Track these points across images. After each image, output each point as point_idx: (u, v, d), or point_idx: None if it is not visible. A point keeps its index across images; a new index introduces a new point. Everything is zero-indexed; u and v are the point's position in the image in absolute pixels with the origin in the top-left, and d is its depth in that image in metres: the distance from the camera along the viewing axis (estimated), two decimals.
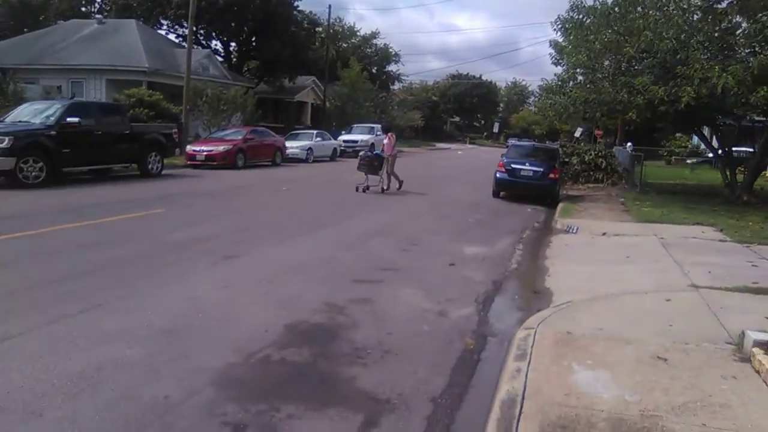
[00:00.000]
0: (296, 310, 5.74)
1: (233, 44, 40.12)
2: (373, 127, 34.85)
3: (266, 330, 5.15)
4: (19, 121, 14.49)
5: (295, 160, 26.31)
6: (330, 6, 41.90)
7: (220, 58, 37.66)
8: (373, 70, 55.71)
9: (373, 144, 27.35)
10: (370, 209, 13.01)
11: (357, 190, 15.40)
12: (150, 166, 16.94)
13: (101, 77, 28.77)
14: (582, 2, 15.12)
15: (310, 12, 40.74)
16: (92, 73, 28.83)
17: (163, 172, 17.73)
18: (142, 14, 34.98)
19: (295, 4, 38.97)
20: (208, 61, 32.82)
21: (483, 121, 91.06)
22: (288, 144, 26.41)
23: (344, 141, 32.96)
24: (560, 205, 14.81)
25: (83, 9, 40.59)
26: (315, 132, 29.56)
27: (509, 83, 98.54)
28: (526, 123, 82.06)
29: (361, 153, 16.99)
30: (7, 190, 12.89)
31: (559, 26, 15.78)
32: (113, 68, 28.35)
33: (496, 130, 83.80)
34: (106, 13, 38.10)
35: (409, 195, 15.74)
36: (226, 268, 7.18)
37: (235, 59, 39.80)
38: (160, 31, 37.01)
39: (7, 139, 13.00)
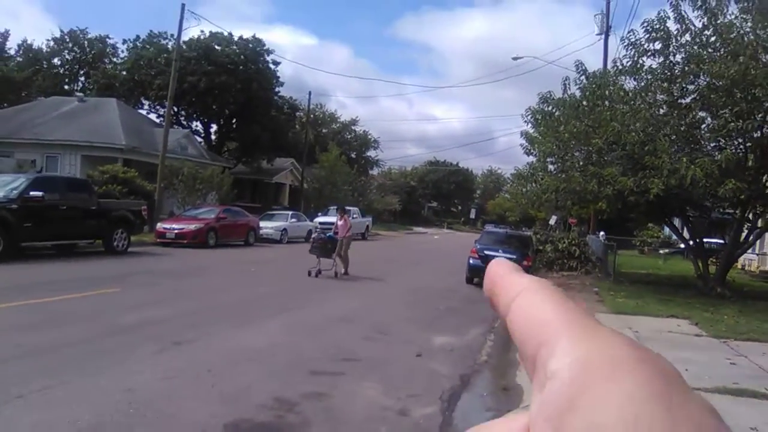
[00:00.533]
0: (241, 407, 5.23)
1: (214, 126, 40.60)
2: (349, 210, 34.83)
3: (203, 431, 4.63)
4: None
5: (270, 240, 25.94)
6: (310, 93, 43.36)
7: (199, 139, 38.02)
8: (352, 155, 56.59)
9: (328, 226, 27.23)
10: (338, 294, 12.58)
11: (309, 274, 14.19)
12: (116, 243, 16.46)
13: (77, 153, 28.59)
14: (551, 95, 15.50)
15: (291, 97, 41.67)
16: (68, 148, 28.68)
17: (131, 249, 17.25)
18: (124, 94, 35.39)
19: (276, 89, 39.87)
20: (186, 141, 32.97)
21: (460, 207, 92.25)
22: (263, 224, 26.15)
23: (320, 223, 32.78)
24: None
25: (66, 87, 41.00)
26: (290, 213, 29.42)
27: (485, 171, 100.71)
28: (502, 209, 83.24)
29: (313, 235, 16.16)
30: None
31: (530, 117, 16.11)
32: (89, 144, 28.25)
33: (473, 216, 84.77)
34: (88, 92, 38.49)
35: (379, 280, 15.37)
36: (173, 355, 6.66)
37: (215, 140, 40.16)
38: (141, 111, 37.40)
39: None
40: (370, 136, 63.61)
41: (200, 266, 15.49)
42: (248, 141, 36.92)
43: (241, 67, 35.94)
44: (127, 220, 16.99)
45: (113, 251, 16.32)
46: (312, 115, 56.21)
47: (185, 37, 32.20)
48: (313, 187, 43.87)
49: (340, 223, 15.50)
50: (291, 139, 41.39)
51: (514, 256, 15.40)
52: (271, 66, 38.66)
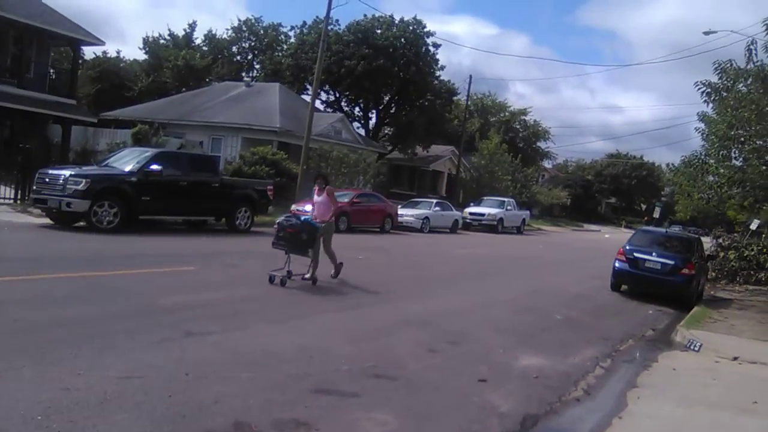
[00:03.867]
0: (178, 430, 3.95)
1: (374, 112, 40.47)
2: (503, 201, 32.63)
3: None
4: (108, 165, 14.52)
5: (410, 228, 24.82)
6: (470, 77, 41.27)
7: (358, 124, 38.08)
8: (520, 145, 53.59)
9: (477, 217, 24.69)
10: (439, 289, 10.93)
11: (271, 281, 9.06)
12: (238, 222, 16.26)
13: (238, 135, 29.78)
14: (732, 65, 12.21)
15: (449, 81, 40.03)
16: (230, 130, 29.99)
17: (255, 229, 17.03)
18: (288, 79, 36.38)
19: (437, 73, 38.56)
20: (340, 125, 33.00)
21: (644, 205, 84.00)
22: (403, 212, 25.11)
23: (470, 213, 31.04)
24: (694, 310, 11.61)
25: (243, 74, 43.47)
26: (434, 201, 27.99)
27: (671, 166, 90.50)
28: (696, 211, 74.14)
29: (279, 219, 9.98)
30: (79, 232, 12.67)
31: (704, 92, 12.86)
32: (248, 127, 29.24)
33: (656, 215, 76.54)
34: (258, 78, 40.36)
35: (497, 276, 13.39)
36: (168, 348, 5.58)
37: (373, 125, 40.01)
38: (304, 96, 38.34)
39: (83, 181, 12.84)
40: (542, 127, 59.94)
41: None
42: (403, 126, 36.12)
43: (400, 51, 35.18)
44: (251, 199, 16.73)
45: (235, 230, 16.16)
46: (481, 103, 54.26)
47: (345, 21, 32.31)
48: (471, 176, 42.05)
49: (317, 199, 10.10)
50: (449, 126, 39.88)
51: (672, 262, 12.56)
52: (431, 49, 37.43)
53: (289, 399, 4.75)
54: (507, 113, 56.82)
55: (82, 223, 13.14)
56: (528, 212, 36.11)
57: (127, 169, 14.02)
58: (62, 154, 24.99)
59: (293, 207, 20.92)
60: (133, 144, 22.98)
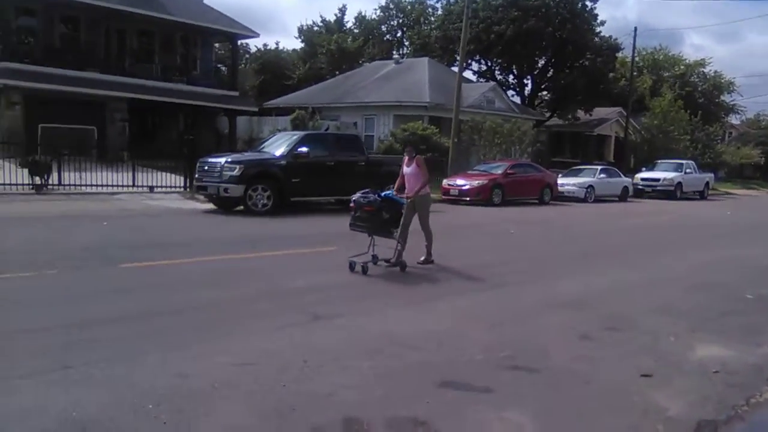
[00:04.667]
0: (285, 426, 3.62)
1: (529, 78, 38.46)
2: (681, 164, 29.32)
3: None
4: (261, 151, 15.04)
5: (573, 198, 23.17)
6: (635, 29, 37.17)
7: (513, 92, 36.41)
8: (700, 100, 48.00)
9: (651, 183, 21.93)
10: (602, 266, 9.77)
11: (351, 269, 7.92)
12: None
13: (389, 113, 29.84)
14: None
15: (610, 37, 36.59)
16: (382, 109, 30.13)
17: None
18: (437, 52, 35.71)
19: (597, 29, 35.51)
20: (493, 94, 31.72)
21: None
22: (564, 180, 23.51)
23: (642, 179, 28.30)
24: None
25: (394, 53, 43.60)
26: (599, 168, 25.82)
27: None
28: None
29: (355, 196, 8.37)
30: (237, 216, 13.26)
31: None
32: (399, 104, 29.15)
33: None
34: (407, 54, 40.18)
35: (679, 249, 11.76)
36: (291, 333, 5.34)
37: (529, 92, 38.05)
38: (454, 68, 37.45)
39: (237, 167, 13.40)
40: (724, 78, 53.21)
41: (457, 225, 14.10)
42: (561, 90, 33.85)
43: (552, 9, 32.88)
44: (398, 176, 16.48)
45: None
46: (651, 59, 49.50)
47: None
48: (642, 138, 38.43)
49: (406, 170, 8.78)
50: (614, 86, 36.63)
51: None
52: (588, 3, 34.51)
53: (410, 393, 4.24)
54: (682, 66, 51.16)
55: (240, 208, 13.74)
56: (712, 175, 32.17)
57: (278, 153, 14.43)
58: (230, 144, 26.76)
59: (445, 182, 20.44)
60: (292, 129, 23.89)
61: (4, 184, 13.87)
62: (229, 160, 13.73)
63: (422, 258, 8.63)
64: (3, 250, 8.19)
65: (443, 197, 19.92)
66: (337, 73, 38.84)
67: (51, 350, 4.56)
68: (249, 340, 5.08)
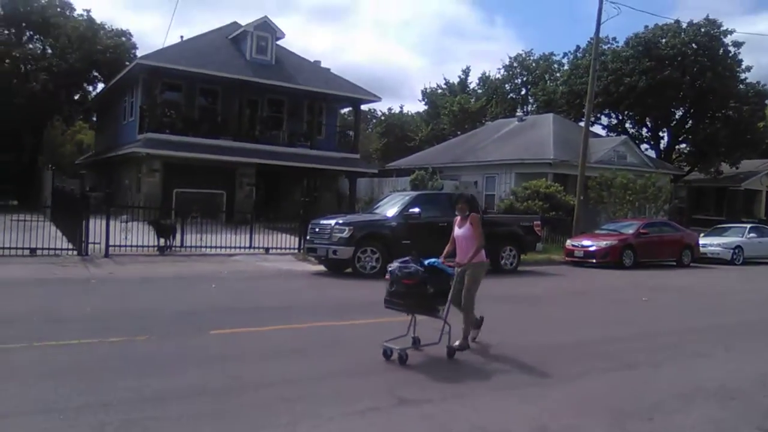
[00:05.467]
0: None
1: (665, 131, 35.94)
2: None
3: None
4: (372, 212, 14.84)
5: (717, 260, 20.71)
6: None
7: (647, 146, 34.09)
8: None
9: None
10: (755, 345, 8.20)
11: (387, 356, 6.39)
12: (503, 262, 15.19)
13: (511, 171, 28.94)
14: None
15: (758, 82, 33.30)
16: (503, 167, 29.32)
17: (522, 268, 15.78)
18: (562, 108, 34.52)
19: (742, 76, 32.60)
20: (624, 149, 29.80)
21: None
22: (707, 241, 21.19)
23: None
24: None
25: (517, 111, 42.92)
26: (748, 226, 23.00)
27: None
28: None
29: (392, 266, 6.74)
30: (345, 278, 13.01)
31: None
32: (521, 162, 28.22)
33: None
34: (531, 112, 39.28)
35: None
36: (372, 420, 4.70)
37: (665, 146, 35.48)
38: (581, 124, 35.94)
39: (347, 229, 13.23)
40: None
41: (578, 290, 12.85)
42: (702, 142, 31.14)
43: (691, 58, 30.68)
44: (516, 236, 15.55)
45: (500, 270, 15.08)
46: None
47: (623, 36, 29.38)
48: None
49: (458, 231, 7.23)
50: (763, 135, 33.14)
51: None
52: (731, 49, 31.85)
53: None
54: None
55: (350, 270, 13.48)
56: None
57: (389, 214, 14.15)
58: (350, 205, 27.12)
59: (569, 242, 19.10)
60: (411, 190, 23.77)
61: (131, 246, 14.69)
62: (339, 221, 13.62)
63: (457, 342, 6.79)
64: (103, 313, 8.36)
65: (566, 258, 18.58)
66: (459, 133, 38.77)
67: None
68: (321, 427, 4.50)
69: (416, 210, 13.81)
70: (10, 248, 13.29)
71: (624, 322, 9.45)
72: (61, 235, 15.34)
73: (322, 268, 14.32)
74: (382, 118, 47.00)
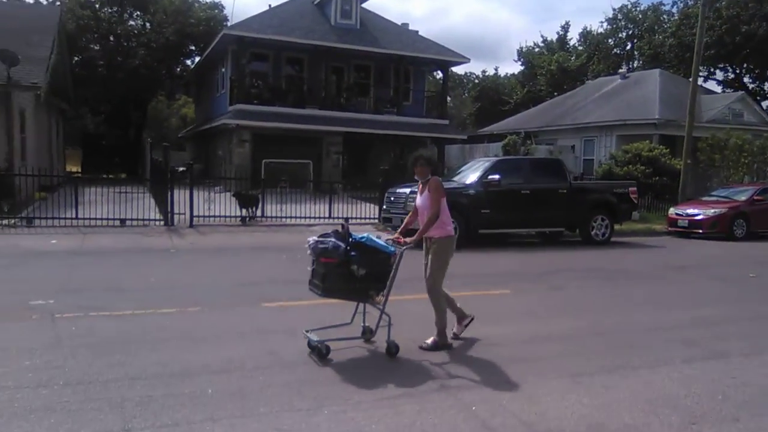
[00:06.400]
0: None
1: None
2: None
3: None
4: (450, 180, 14.20)
5: None
6: None
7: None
8: None
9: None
10: None
11: (311, 349, 5.32)
12: (593, 232, 14.13)
13: (611, 134, 27.07)
14: None
15: None
16: (603, 129, 27.47)
17: (616, 239, 14.65)
18: (671, 62, 31.68)
19: None
20: (741, 106, 26.97)
21: None
22: None
23: None
24: None
25: (622, 68, 40.03)
26: None
27: None
28: None
29: (310, 240, 5.34)
30: (418, 249, 12.55)
31: None
32: (623, 123, 26.29)
33: None
34: (636, 68, 36.41)
35: None
36: (401, 409, 4.28)
37: None
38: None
39: None
40: None
41: (677, 264, 11.65)
42: None
43: None
44: (609, 204, 14.39)
45: (591, 241, 14.06)
46: None
47: None
48: None
49: (419, 200, 5.86)
50: None
51: None
52: None
53: None
54: None
55: None
56: None
57: (468, 181, 13.48)
58: (438, 172, 26.47)
59: (672, 210, 17.53)
60: (503, 155, 22.81)
61: (216, 216, 15.01)
62: (414, 190, 13.11)
63: (429, 340, 5.64)
64: (165, 283, 8.45)
65: (669, 229, 17.07)
66: (556, 94, 36.75)
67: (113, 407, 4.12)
68: (346, 413, 4.15)
69: (496, 177, 13.04)
70: (103, 219, 13.94)
71: (721, 302, 8.38)
72: (155, 206, 15.98)
73: None
74: (476, 81, 45.43)
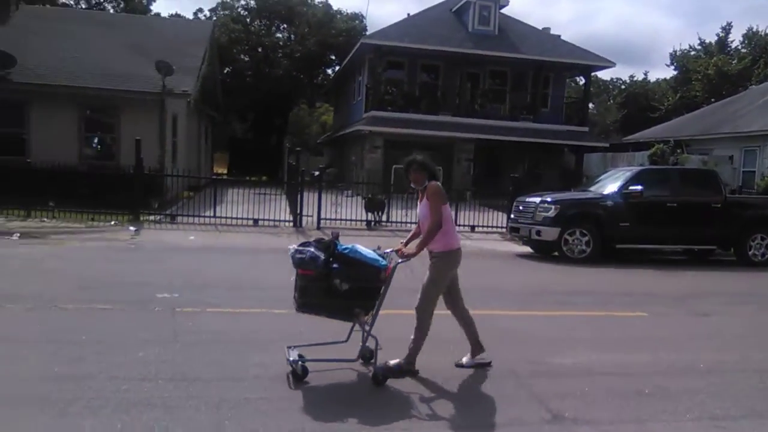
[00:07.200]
0: None
1: None
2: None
3: None
4: (585, 190, 13.29)
5: None
6: None
7: None
8: None
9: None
10: None
11: (293, 370, 4.65)
12: (751, 252, 12.50)
13: None
14: None
15: None
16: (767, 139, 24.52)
17: None
18: None
19: None
20: None
21: None
22: None
23: None
24: None
25: None
26: None
27: None
28: None
29: (291, 248, 4.81)
30: (549, 262, 11.84)
31: None
32: None
33: None
34: None
35: None
36: None
37: None
38: None
39: (553, 207, 11.97)
40: None
41: None
42: None
43: None
44: None
45: (747, 262, 12.44)
46: None
47: None
48: None
49: (419, 210, 5.12)
50: None
51: None
52: None
53: None
54: None
55: (557, 254, 12.26)
56: None
57: (606, 191, 12.53)
58: (575, 181, 25.13)
59: None
60: (649, 165, 21.18)
61: (343, 219, 15.19)
62: (546, 199, 12.39)
63: (394, 361, 4.91)
64: (287, 284, 8.51)
65: None
66: (713, 100, 33.54)
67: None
68: None
69: (638, 187, 11.98)
70: (238, 218, 14.62)
71: None
72: (287, 208, 16.57)
73: (528, 249, 13.26)
74: (623, 87, 42.76)
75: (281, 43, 37.44)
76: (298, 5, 35.89)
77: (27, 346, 5.16)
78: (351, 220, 15.36)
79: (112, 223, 13.67)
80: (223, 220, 14.47)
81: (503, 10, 26.75)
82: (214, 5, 45.83)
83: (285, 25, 37.63)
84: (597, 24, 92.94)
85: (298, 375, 4.59)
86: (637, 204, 11.99)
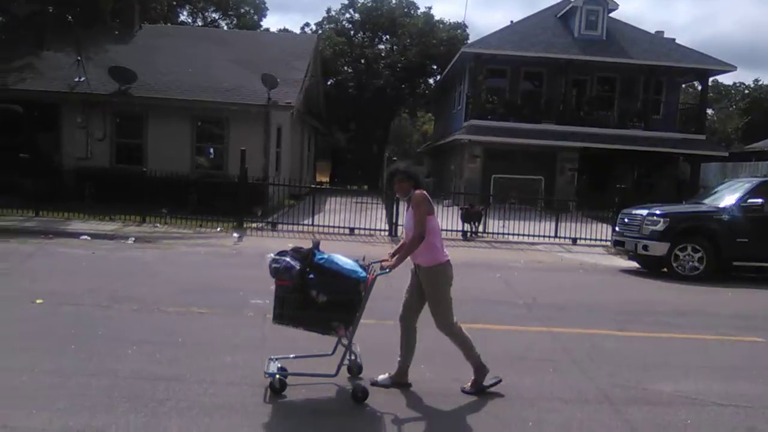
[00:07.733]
0: None
1: None
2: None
3: None
4: (698, 202, 12.37)
5: None
6: None
7: None
8: None
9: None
10: None
11: (272, 386, 4.46)
12: None
13: None
14: None
15: None
16: None
17: None
18: None
19: None
20: None
21: None
22: None
23: None
24: None
25: None
26: None
27: None
28: None
29: (269, 257, 4.55)
30: (656, 279, 11.12)
31: None
32: None
33: None
34: None
35: None
36: None
37: None
38: None
39: (662, 221, 11.23)
40: None
41: None
42: None
43: None
44: None
45: None
46: None
47: None
48: None
49: (407, 218, 4.85)
50: None
51: None
52: None
53: None
54: None
55: (666, 270, 11.48)
56: None
57: (721, 204, 11.62)
58: (691, 192, 23.54)
59: None
60: None
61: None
62: (655, 212, 11.65)
63: (383, 375, 4.83)
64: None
65: None
66: None
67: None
68: None
69: (758, 200, 11.00)
70: (335, 227, 14.90)
71: None
72: (383, 217, 16.71)
73: (635, 264, 12.53)
74: (746, 92, 39.64)
75: (383, 54, 38.02)
76: (401, 16, 36.30)
77: (128, 345, 5.48)
78: (447, 230, 15.16)
79: (218, 229, 14.38)
80: (321, 228, 14.80)
81: (612, 14, 25.61)
82: (320, 19, 47.61)
83: (387, 36, 38.18)
84: (717, 26, 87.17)
85: (276, 388, 4.47)
86: (758, 219, 11.01)
